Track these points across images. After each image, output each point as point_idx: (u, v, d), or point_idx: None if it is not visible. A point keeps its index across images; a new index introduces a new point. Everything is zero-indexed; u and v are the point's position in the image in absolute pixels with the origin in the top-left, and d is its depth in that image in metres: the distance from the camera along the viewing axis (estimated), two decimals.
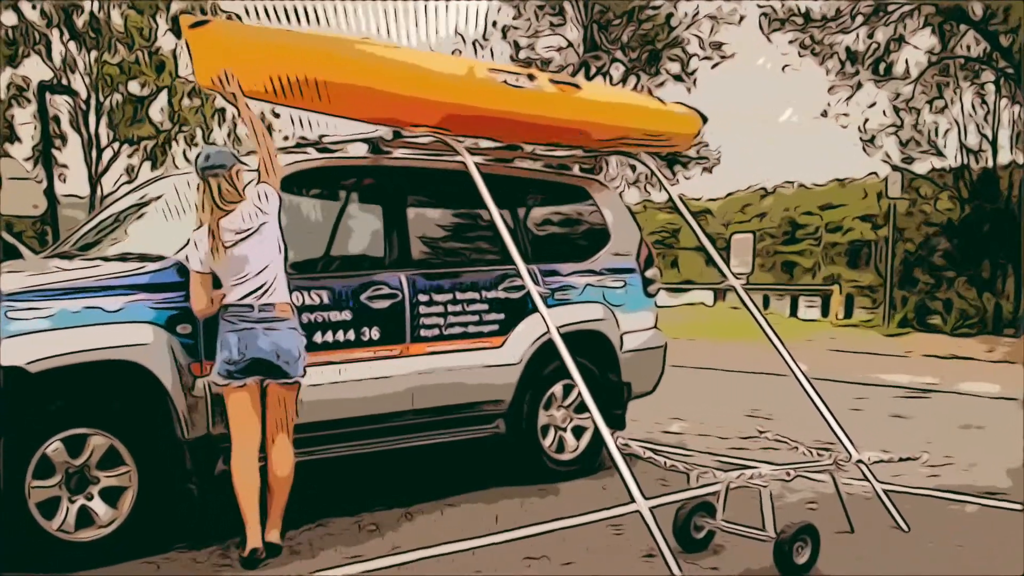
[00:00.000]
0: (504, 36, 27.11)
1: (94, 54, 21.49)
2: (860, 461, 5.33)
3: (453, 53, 22.34)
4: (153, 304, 4.74)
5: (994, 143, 22.02)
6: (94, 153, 22.32)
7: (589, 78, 25.91)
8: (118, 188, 21.48)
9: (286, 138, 6.12)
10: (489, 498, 5.99)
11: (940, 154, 23.22)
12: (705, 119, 6.84)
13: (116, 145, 22.54)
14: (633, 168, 26.03)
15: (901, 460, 5.41)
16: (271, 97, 5.51)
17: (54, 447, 4.50)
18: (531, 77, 5.96)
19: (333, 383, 5.30)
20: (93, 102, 22.00)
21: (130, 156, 22.77)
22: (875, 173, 27.60)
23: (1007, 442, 7.91)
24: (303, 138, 5.91)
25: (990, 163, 22.18)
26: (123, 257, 5.17)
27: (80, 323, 4.52)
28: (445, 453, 6.33)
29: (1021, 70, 19.78)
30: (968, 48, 21.85)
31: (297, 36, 5.11)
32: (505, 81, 5.71)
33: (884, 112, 23.60)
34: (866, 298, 25.52)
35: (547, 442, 6.44)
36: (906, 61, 22.86)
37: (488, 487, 6.21)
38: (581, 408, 6.38)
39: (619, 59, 26.83)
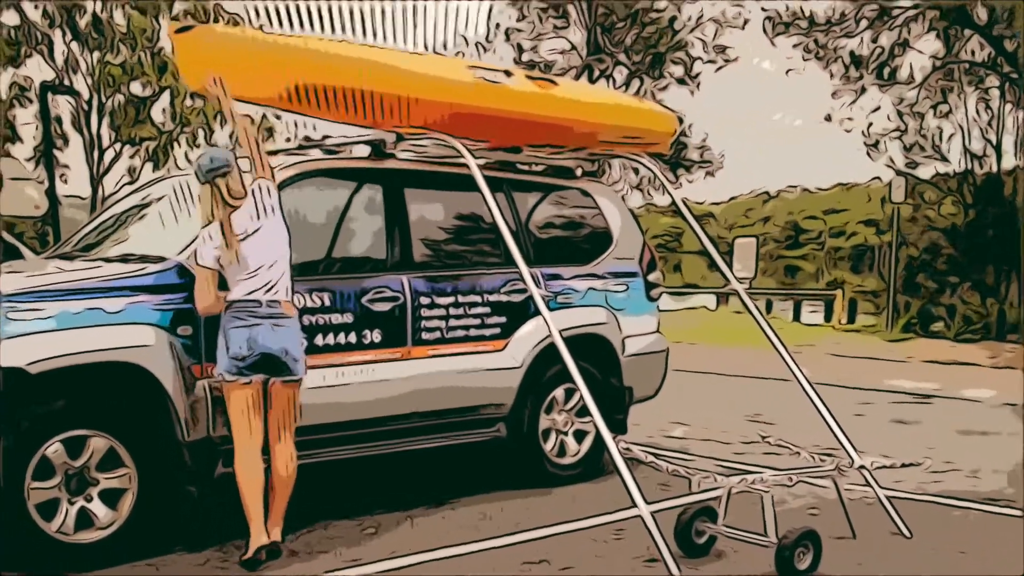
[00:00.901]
0: (507, 39, 27.13)
1: (96, 55, 21.50)
2: (862, 466, 5.32)
3: (456, 56, 22.37)
4: (154, 305, 4.74)
5: (998, 148, 21.98)
6: (96, 154, 22.32)
7: (592, 81, 25.91)
8: (120, 189, 21.49)
9: (288, 140, 6.14)
10: (490, 502, 5.97)
11: (944, 159, 23.18)
12: (681, 120, 6.87)
13: (118, 146, 22.55)
14: (636, 171, 26.02)
15: (903, 466, 5.40)
16: (259, 100, 5.56)
17: (54, 448, 4.48)
18: (508, 73, 5.98)
19: (334, 386, 5.28)
20: (95, 103, 22.00)
21: (132, 157, 22.79)
22: (879, 178, 27.55)
23: (1009, 448, 7.89)
24: (307, 139, 5.90)
25: (994, 168, 22.13)
26: (124, 258, 5.16)
27: (81, 324, 4.52)
28: (446, 457, 6.31)
29: None
30: (973, 53, 21.83)
31: (277, 40, 5.14)
32: (483, 77, 5.71)
33: (888, 117, 23.58)
34: (869, 303, 25.47)
35: (548, 446, 6.43)
36: (910, 65, 22.86)
37: (489, 491, 6.19)
38: (583, 412, 6.37)
39: (623, 62, 26.82)
